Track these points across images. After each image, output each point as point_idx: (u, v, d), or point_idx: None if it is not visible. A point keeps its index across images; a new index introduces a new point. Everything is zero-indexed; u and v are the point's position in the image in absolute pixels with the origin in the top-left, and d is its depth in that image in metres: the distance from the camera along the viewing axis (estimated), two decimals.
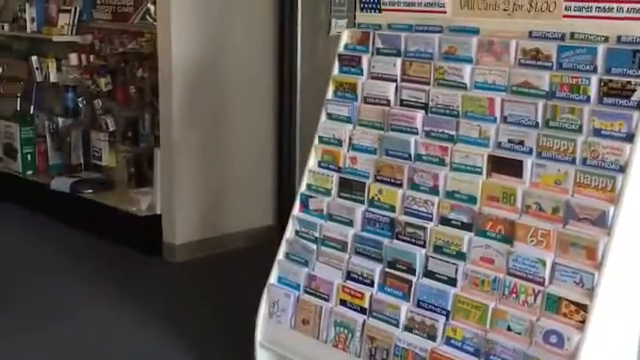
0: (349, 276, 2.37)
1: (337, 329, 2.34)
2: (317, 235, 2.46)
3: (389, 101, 2.40)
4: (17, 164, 4.91)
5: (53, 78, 4.80)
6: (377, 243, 2.32)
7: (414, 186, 2.28)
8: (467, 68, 2.23)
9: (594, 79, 1.99)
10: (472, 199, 2.15)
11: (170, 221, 4.00)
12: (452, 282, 2.14)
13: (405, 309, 2.21)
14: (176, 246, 3.99)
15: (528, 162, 2.07)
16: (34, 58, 4.85)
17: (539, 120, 2.07)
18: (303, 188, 2.55)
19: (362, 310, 2.30)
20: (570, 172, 1.99)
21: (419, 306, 2.19)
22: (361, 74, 2.48)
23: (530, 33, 2.13)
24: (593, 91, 1.99)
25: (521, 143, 2.09)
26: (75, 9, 4.60)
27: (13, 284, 3.66)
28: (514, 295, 2.02)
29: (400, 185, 2.32)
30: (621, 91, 1.94)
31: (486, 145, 2.16)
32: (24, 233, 4.43)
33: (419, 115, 2.32)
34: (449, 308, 2.13)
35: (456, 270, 2.14)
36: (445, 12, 2.34)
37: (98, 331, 3.19)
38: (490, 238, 2.10)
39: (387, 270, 2.28)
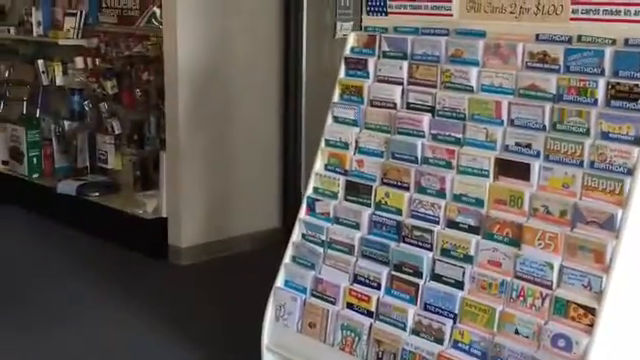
0: (356, 279, 2.36)
1: (344, 332, 2.34)
2: (324, 238, 2.46)
3: (395, 104, 2.40)
4: (23, 167, 4.92)
5: (59, 81, 4.81)
6: (384, 246, 2.32)
7: (421, 189, 2.28)
8: (474, 71, 2.23)
9: (601, 82, 1.99)
10: (479, 202, 2.15)
11: (176, 224, 4.00)
12: (459, 285, 2.14)
13: (412, 312, 2.21)
14: (182, 249, 3.99)
15: (535, 165, 2.06)
16: (40, 61, 4.86)
17: (546, 123, 2.07)
18: (310, 191, 2.55)
19: (369, 313, 2.30)
20: (578, 175, 1.98)
21: (426, 309, 2.19)
22: (367, 77, 2.48)
23: (537, 36, 2.13)
24: (601, 94, 1.99)
25: (528, 146, 2.09)
26: (81, 12, 4.61)
27: (19, 286, 3.67)
28: (522, 298, 2.01)
29: (407, 188, 2.31)
30: (629, 94, 1.94)
31: (493, 148, 2.16)
32: (30, 236, 4.44)
33: (426, 118, 2.31)
34: (456, 311, 2.13)
35: (463, 273, 2.13)
36: (451, 15, 2.34)
37: (103, 333, 3.19)
38: (497, 241, 2.09)
39: (394, 273, 2.28)
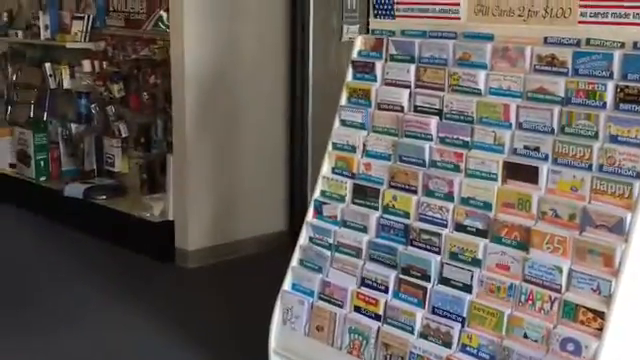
0: (363, 282, 2.36)
1: (352, 336, 2.34)
2: (331, 241, 2.46)
3: (403, 107, 2.40)
4: (30, 170, 4.94)
5: (66, 85, 4.84)
6: (392, 249, 2.31)
7: (429, 192, 2.28)
8: (482, 74, 2.22)
9: (610, 85, 1.98)
10: (487, 205, 2.14)
11: (183, 227, 4.01)
12: (467, 289, 2.13)
13: (420, 316, 2.20)
14: (189, 252, 4.00)
15: (544, 168, 2.06)
16: (47, 65, 4.89)
17: (555, 126, 2.06)
18: (317, 194, 2.55)
19: (377, 317, 2.30)
20: (586, 178, 1.98)
21: (434, 313, 2.19)
22: (375, 80, 2.48)
23: (545, 39, 2.13)
24: (609, 97, 1.98)
25: (537, 149, 2.08)
26: (88, 16, 4.63)
27: (26, 289, 3.68)
28: (530, 302, 2.01)
29: (415, 191, 2.31)
30: (637, 97, 1.93)
31: (501, 151, 2.16)
32: (37, 239, 4.45)
33: (433, 121, 2.31)
34: (464, 315, 2.12)
35: (471, 277, 2.13)
36: (459, 18, 2.34)
37: (110, 336, 3.20)
38: (506, 245, 2.09)
39: (402, 277, 2.28)
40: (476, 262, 2.13)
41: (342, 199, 2.48)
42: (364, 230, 2.39)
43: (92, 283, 3.72)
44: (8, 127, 5.17)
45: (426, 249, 2.24)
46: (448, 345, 2.13)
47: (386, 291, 2.30)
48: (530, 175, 2.08)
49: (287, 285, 2.53)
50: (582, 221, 1.96)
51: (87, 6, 4.70)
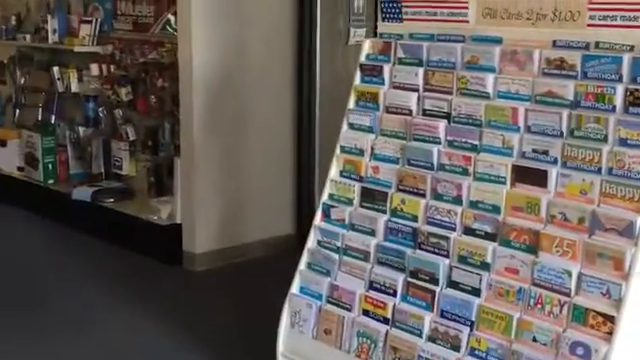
0: (372, 286, 2.36)
1: (360, 339, 2.34)
2: (339, 245, 2.46)
3: (411, 111, 2.40)
4: (38, 173, 4.96)
5: (74, 88, 4.85)
6: (400, 253, 2.31)
7: (437, 196, 2.27)
8: (490, 77, 2.22)
9: (620, 88, 1.98)
10: (496, 209, 2.14)
11: (190, 230, 4.01)
12: (476, 292, 2.13)
13: (428, 319, 2.20)
14: (196, 255, 4.00)
15: (553, 172, 2.05)
16: (55, 68, 4.91)
17: (564, 129, 2.06)
18: (325, 198, 2.55)
19: (385, 320, 2.29)
20: (596, 182, 1.97)
21: (443, 316, 2.18)
22: (383, 84, 2.48)
23: (554, 42, 2.12)
24: (619, 100, 1.98)
25: (545, 153, 2.08)
26: (96, 20, 4.65)
27: (34, 292, 3.69)
28: (539, 306, 2.00)
29: (423, 195, 2.31)
30: None
31: (510, 155, 2.15)
32: (45, 242, 4.46)
33: (442, 125, 2.31)
34: (473, 318, 2.12)
35: (480, 280, 2.12)
36: (467, 22, 2.34)
37: (118, 339, 3.20)
38: (514, 248, 2.08)
39: (410, 280, 2.27)
40: (485, 266, 2.13)
41: (350, 202, 2.48)
42: (372, 233, 2.39)
43: (100, 286, 3.73)
44: (16, 130, 5.19)
45: (434, 252, 2.24)
46: (457, 349, 2.13)
47: (394, 294, 2.30)
48: (539, 178, 2.07)
49: (295, 288, 2.53)
50: (591, 224, 1.95)
51: (95, 10, 4.72)
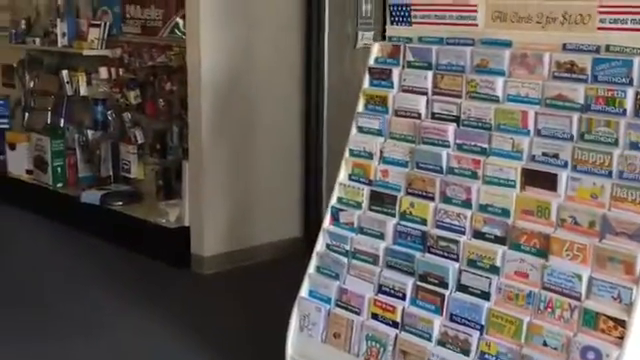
0: (381, 289, 2.36)
1: (369, 343, 2.33)
2: (348, 248, 2.46)
3: (420, 114, 2.40)
4: (47, 176, 4.98)
5: (83, 92, 4.87)
6: (409, 256, 2.31)
7: (446, 199, 2.27)
8: (499, 81, 2.22)
9: (630, 92, 1.97)
10: (506, 212, 2.14)
11: (198, 233, 4.02)
12: (486, 296, 2.12)
13: (438, 323, 2.20)
14: (204, 258, 4.01)
15: (563, 175, 2.05)
16: (64, 72, 4.93)
17: (574, 133, 2.05)
18: (334, 201, 2.55)
19: (394, 324, 2.29)
20: (606, 186, 1.97)
21: (452, 320, 2.18)
22: (392, 87, 2.48)
23: (564, 46, 2.12)
24: (629, 104, 1.97)
25: (555, 156, 2.07)
26: (105, 24, 4.67)
27: (43, 295, 3.70)
28: (550, 310, 2.00)
29: (432, 198, 2.31)
30: None
31: (520, 158, 2.15)
32: (54, 245, 4.47)
33: (451, 128, 2.31)
34: (483, 322, 2.11)
35: (490, 284, 2.12)
36: (477, 25, 2.33)
37: (126, 342, 3.21)
38: (524, 252, 2.08)
39: (419, 284, 2.27)
40: (494, 269, 2.12)
41: (359, 206, 2.48)
42: (381, 237, 2.39)
43: (108, 289, 3.74)
44: (25, 133, 5.21)
45: (444, 256, 2.23)
46: (466, 353, 2.12)
47: (403, 298, 2.29)
48: (549, 182, 2.07)
49: (304, 292, 2.53)
50: (602, 228, 1.95)
51: (104, 14, 4.74)
